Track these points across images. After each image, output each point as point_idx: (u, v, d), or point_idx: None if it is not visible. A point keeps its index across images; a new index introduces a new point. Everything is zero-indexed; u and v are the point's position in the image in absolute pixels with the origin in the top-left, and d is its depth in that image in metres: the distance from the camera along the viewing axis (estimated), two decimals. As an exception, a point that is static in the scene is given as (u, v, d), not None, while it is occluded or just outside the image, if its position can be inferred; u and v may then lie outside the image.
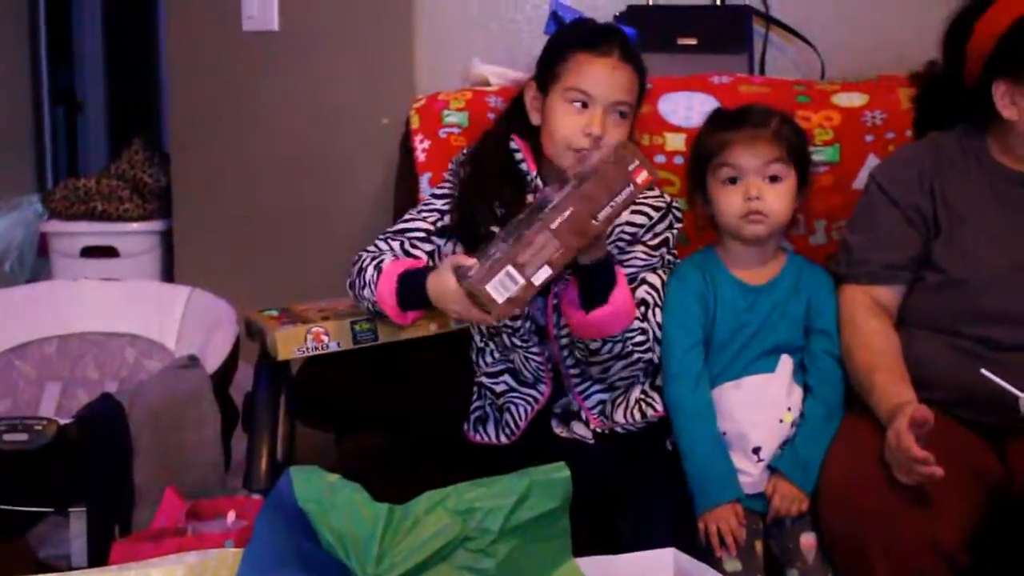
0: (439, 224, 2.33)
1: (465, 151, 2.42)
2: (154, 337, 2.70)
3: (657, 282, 2.25)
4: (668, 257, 2.30)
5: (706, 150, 2.24)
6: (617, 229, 2.25)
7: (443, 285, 2.09)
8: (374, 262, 2.25)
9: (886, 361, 2.17)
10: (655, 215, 2.28)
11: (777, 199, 2.20)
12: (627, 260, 2.26)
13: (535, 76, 2.33)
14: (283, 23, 3.35)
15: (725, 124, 2.25)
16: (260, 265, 3.47)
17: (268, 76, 3.40)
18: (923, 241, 2.25)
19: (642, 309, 2.21)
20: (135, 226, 4.07)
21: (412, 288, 2.17)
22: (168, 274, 3.92)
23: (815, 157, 2.34)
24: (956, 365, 2.17)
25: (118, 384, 2.66)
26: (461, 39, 3.08)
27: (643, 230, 2.27)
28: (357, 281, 2.26)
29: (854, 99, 2.67)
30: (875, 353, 2.18)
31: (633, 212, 2.25)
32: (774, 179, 2.19)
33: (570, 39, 2.28)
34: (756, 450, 2.16)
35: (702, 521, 2.11)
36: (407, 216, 2.38)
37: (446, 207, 2.34)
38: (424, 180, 2.64)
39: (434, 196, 2.39)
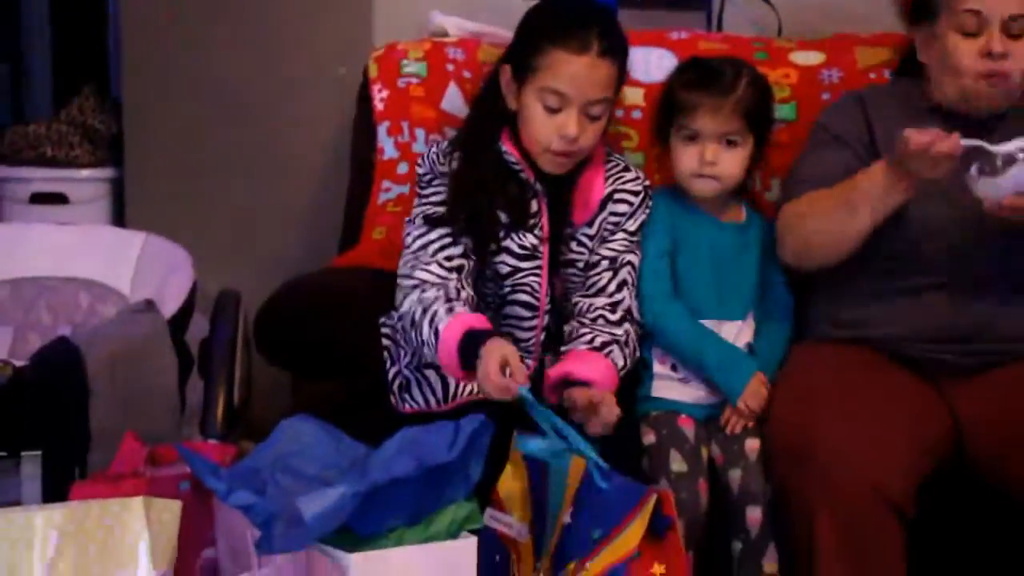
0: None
1: (440, 143, 2.31)
2: (109, 282, 2.66)
3: (636, 262, 2.27)
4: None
5: (673, 104, 2.30)
6: (599, 220, 2.27)
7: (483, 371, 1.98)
8: (427, 315, 2.08)
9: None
10: (635, 200, 2.29)
11: (732, 163, 2.27)
12: (609, 246, 2.27)
13: (509, 58, 2.26)
14: (242, -31, 3.32)
15: (694, 83, 2.28)
16: (212, 214, 3.44)
17: (224, 23, 3.37)
18: None
19: (624, 291, 2.24)
20: (85, 173, 4.01)
21: (472, 355, 2.01)
22: (119, 222, 3.87)
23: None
24: (897, 300, 2.26)
25: (72, 329, 2.64)
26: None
27: (624, 218, 2.28)
28: (414, 335, 2.12)
29: (811, 57, 2.69)
30: (834, 189, 2.24)
31: (615, 201, 2.27)
32: (731, 143, 2.26)
33: (547, 29, 2.19)
34: None
35: (742, 401, 2.21)
36: (417, 230, 2.22)
37: (439, 198, 2.23)
38: (382, 129, 2.64)
39: (423, 194, 2.26)
